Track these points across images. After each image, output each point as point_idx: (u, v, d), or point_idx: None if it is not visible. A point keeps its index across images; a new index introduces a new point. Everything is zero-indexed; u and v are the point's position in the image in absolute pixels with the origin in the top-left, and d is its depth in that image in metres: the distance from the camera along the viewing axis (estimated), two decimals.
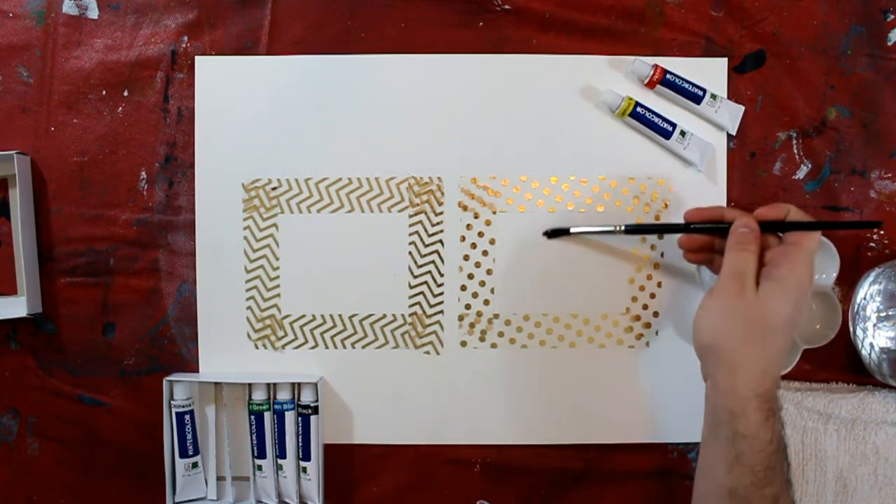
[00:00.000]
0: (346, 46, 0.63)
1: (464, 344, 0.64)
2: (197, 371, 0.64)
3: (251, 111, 0.63)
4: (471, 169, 0.63)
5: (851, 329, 0.62)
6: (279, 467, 0.62)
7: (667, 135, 0.62)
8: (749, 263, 0.51)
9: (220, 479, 0.63)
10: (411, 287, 0.64)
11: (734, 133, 0.63)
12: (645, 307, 0.64)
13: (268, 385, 0.62)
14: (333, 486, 0.64)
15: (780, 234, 0.53)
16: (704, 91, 0.62)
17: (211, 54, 0.63)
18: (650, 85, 0.62)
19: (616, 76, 0.63)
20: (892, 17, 0.63)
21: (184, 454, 0.62)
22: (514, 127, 0.63)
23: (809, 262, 0.51)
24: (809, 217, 0.53)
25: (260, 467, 0.62)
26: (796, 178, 0.64)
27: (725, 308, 0.50)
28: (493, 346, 0.64)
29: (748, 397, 0.48)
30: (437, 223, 0.64)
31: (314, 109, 0.63)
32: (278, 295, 0.64)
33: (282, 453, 0.62)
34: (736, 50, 0.63)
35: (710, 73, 0.63)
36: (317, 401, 0.62)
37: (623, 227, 0.60)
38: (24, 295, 0.60)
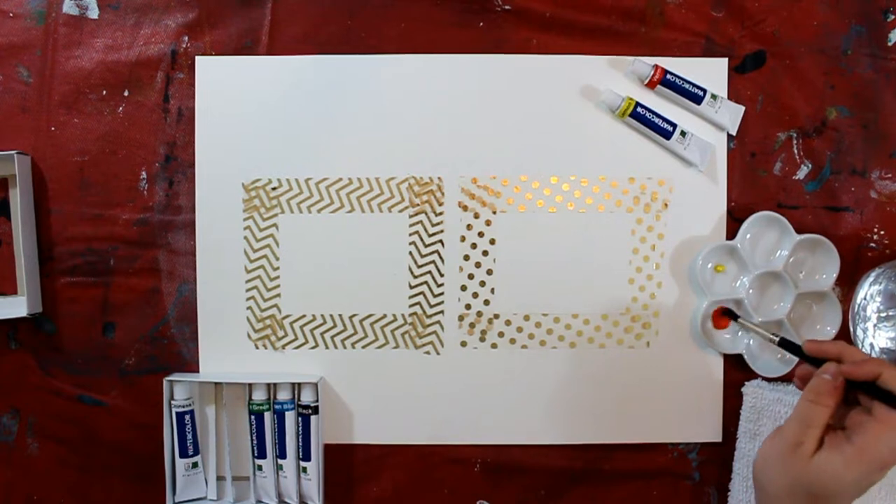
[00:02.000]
0: (346, 46, 0.63)
1: (464, 344, 0.64)
2: (197, 371, 0.64)
3: (251, 111, 0.63)
4: (471, 169, 0.63)
5: (851, 329, 0.62)
6: (279, 467, 0.62)
7: (667, 135, 0.62)
8: (816, 418, 0.46)
9: (220, 478, 0.63)
10: (411, 287, 0.64)
11: (734, 133, 0.63)
12: (645, 307, 0.64)
13: (268, 385, 0.62)
14: (333, 486, 0.64)
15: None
16: (705, 91, 0.62)
17: (211, 54, 0.63)
18: (650, 85, 0.62)
19: (616, 76, 0.63)
20: (893, 17, 0.63)
21: (184, 454, 0.62)
22: (514, 127, 0.63)
23: (891, 444, 0.43)
24: None
25: (260, 467, 0.62)
26: (796, 178, 0.64)
27: (776, 455, 0.47)
28: (494, 346, 0.64)
29: None
30: (437, 223, 0.64)
31: (314, 109, 0.63)
32: (278, 295, 0.64)
33: (282, 453, 0.62)
34: (736, 50, 0.63)
35: (711, 73, 0.63)
36: (317, 401, 0.62)
37: (777, 339, 0.56)
38: (24, 295, 0.60)
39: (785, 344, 0.56)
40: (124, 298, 0.63)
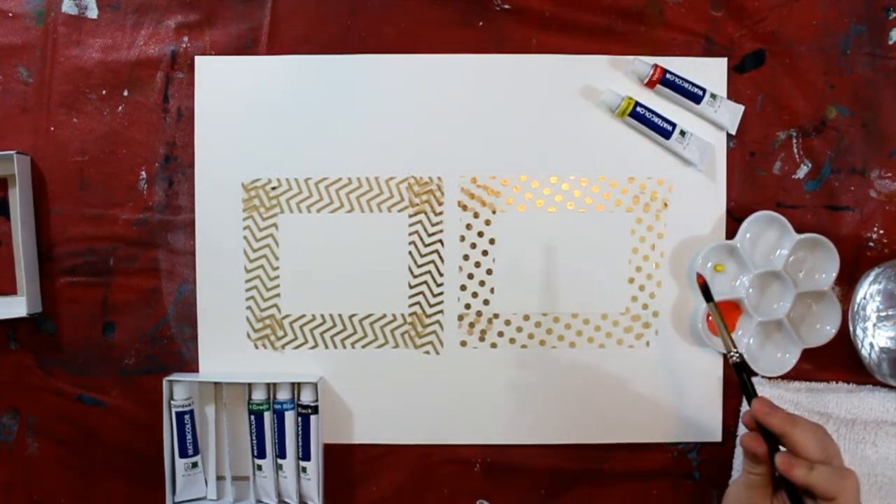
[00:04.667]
0: (346, 46, 0.63)
1: (464, 344, 0.64)
2: (197, 371, 0.64)
3: (251, 111, 0.63)
4: (471, 169, 0.63)
5: (851, 329, 0.62)
6: (279, 467, 0.62)
7: (667, 134, 0.62)
8: (756, 483, 0.50)
9: (219, 478, 0.63)
10: (411, 287, 0.64)
11: (734, 133, 0.63)
12: (645, 307, 0.64)
13: (268, 385, 0.62)
14: (333, 486, 0.64)
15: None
16: (704, 91, 0.62)
17: (211, 54, 0.63)
18: (650, 85, 0.62)
19: (616, 76, 0.63)
20: (894, 14, 0.63)
21: (184, 454, 0.62)
22: (514, 127, 0.63)
23: None
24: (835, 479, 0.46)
25: (260, 467, 0.62)
26: (796, 177, 0.64)
27: None
28: (493, 346, 0.64)
29: None
30: (437, 223, 0.64)
31: (314, 109, 0.63)
32: (278, 295, 0.64)
33: (282, 453, 0.62)
34: (736, 49, 0.63)
35: (710, 72, 0.63)
36: (317, 401, 0.62)
37: (737, 356, 0.54)
38: (24, 295, 0.60)
39: (739, 369, 0.53)
40: (124, 298, 0.63)
